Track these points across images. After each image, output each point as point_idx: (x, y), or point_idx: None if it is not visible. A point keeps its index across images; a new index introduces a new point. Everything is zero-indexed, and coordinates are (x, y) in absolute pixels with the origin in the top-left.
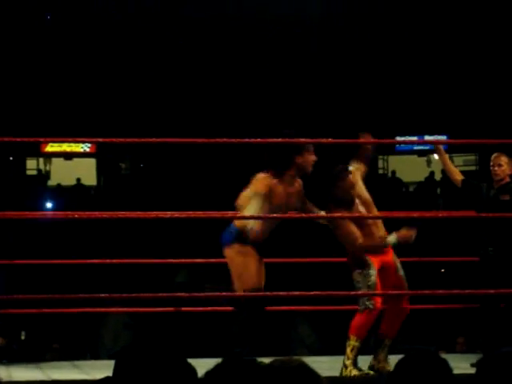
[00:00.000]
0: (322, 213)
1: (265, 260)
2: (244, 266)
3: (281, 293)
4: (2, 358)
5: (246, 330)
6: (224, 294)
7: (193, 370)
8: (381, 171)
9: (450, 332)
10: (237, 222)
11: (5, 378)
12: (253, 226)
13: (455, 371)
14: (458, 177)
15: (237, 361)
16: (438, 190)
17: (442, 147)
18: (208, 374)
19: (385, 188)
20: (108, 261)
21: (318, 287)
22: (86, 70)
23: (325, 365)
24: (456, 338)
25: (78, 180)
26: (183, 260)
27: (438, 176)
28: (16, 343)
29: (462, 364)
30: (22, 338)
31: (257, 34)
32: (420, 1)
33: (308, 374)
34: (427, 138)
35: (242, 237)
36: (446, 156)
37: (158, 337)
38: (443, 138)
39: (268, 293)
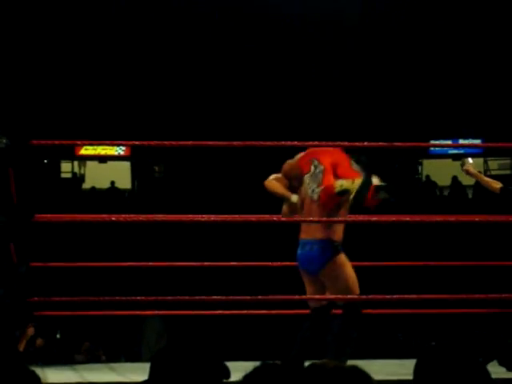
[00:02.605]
0: None
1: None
2: (349, 277)
3: (320, 296)
4: (39, 359)
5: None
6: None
7: (226, 371)
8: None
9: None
10: (318, 234)
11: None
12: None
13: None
14: (496, 185)
15: (276, 364)
16: (470, 194)
17: (469, 168)
18: (246, 376)
19: (419, 192)
20: (143, 264)
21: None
22: (121, 73)
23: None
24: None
25: (113, 183)
26: (219, 263)
27: (468, 181)
28: (52, 343)
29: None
30: (58, 336)
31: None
32: (453, 4)
33: (361, 376)
34: (462, 141)
35: (335, 247)
36: (476, 172)
37: (193, 340)
38: (478, 141)
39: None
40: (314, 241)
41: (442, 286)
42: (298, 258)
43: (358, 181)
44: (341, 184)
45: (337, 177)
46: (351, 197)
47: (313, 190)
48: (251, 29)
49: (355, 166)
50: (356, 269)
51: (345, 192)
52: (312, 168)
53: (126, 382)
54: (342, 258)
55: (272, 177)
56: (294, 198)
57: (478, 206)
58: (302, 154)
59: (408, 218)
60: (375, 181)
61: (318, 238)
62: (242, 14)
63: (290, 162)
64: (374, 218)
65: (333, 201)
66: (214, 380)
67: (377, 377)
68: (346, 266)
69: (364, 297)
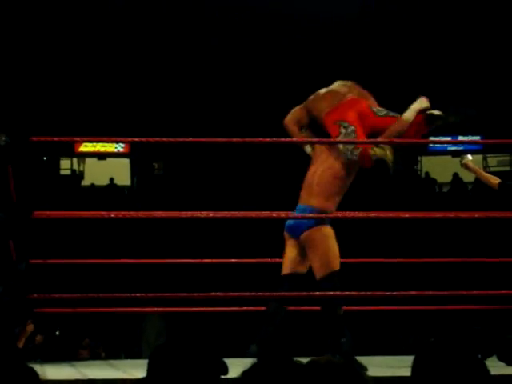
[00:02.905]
0: None
1: None
2: (330, 249)
3: (314, 293)
4: (38, 356)
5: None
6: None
7: (224, 368)
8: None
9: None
10: (315, 202)
11: (40, 377)
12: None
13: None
14: (494, 181)
15: (274, 359)
16: (470, 191)
17: (468, 162)
18: (245, 373)
19: (418, 189)
20: (143, 260)
21: (351, 287)
22: (119, 70)
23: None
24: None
25: (112, 180)
26: (219, 260)
27: (470, 176)
28: (52, 340)
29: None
30: (57, 333)
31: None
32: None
33: (355, 371)
34: (461, 138)
35: (323, 218)
36: (475, 167)
37: (191, 336)
38: (477, 138)
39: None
40: (307, 207)
41: (441, 282)
42: (286, 222)
43: (390, 151)
44: (374, 153)
45: (366, 129)
46: (389, 166)
47: (351, 152)
48: (248, 23)
49: (377, 110)
50: (355, 265)
51: (378, 160)
52: (342, 130)
53: (126, 379)
54: (328, 229)
55: (293, 113)
56: (308, 149)
57: (479, 203)
58: (326, 96)
59: (407, 215)
60: (425, 105)
61: (311, 205)
62: (240, 8)
63: (313, 98)
64: (373, 214)
65: (369, 163)
66: (212, 376)
67: (374, 373)
68: (330, 238)
69: (363, 293)
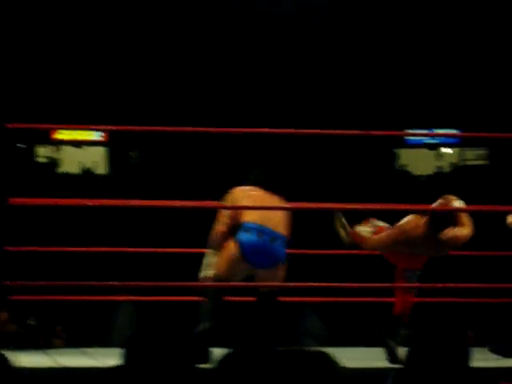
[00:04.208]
0: None
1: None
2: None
3: (290, 284)
4: (11, 344)
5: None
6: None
7: (205, 357)
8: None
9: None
10: (283, 230)
11: (14, 365)
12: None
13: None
14: None
15: (250, 349)
16: (446, 183)
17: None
18: (221, 362)
19: (395, 181)
20: (117, 249)
21: (326, 278)
22: (97, 58)
23: (335, 355)
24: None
25: (88, 168)
26: (192, 249)
27: (446, 169)
28: (25, 329)
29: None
30: (32, 323)
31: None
32: None
33: (327, 361)
34: (438, 131)
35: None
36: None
37: (167, 324)
38: (454, 131)
39: (277, 283)
40: (278, 234)
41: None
42: (248, 244)
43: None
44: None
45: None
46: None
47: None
48: (220, 18)
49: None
50: (336, 256)
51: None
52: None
53: (99, 367)
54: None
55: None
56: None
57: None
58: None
59: (380, 207)
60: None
61: (282, 234)
62: (218, 3)
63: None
64: (348, 206)
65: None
66: (189, 365)
67: (347, 364)
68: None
69: (337, 284)
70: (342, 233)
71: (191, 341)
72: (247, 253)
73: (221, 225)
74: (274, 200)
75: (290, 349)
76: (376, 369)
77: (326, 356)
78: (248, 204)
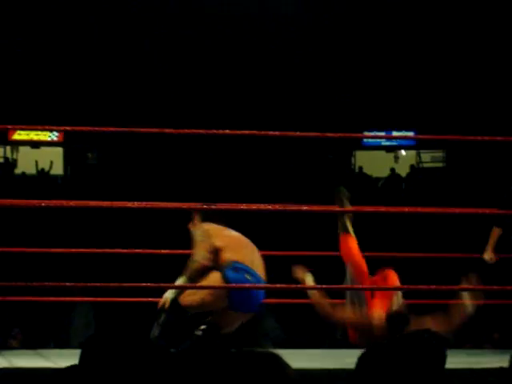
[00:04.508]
0: None
1: None
2: None
3: (246, 285)
4: None
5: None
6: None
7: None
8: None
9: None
10: (263, 275)
11: None
12: None
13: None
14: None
15: (204, 350)
16: (403, 185)
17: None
18: (176, 363)
19: (352, 183)
20: (74, 250)
21: (285, 280)
22: (57, 58)
23: (290, 357)
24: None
25: (44, 169)
26: (150, 250)
27: (403, 171)
28: None
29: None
30: None
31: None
32: None
33: (277, 362)
34: (395, 133)
35: None
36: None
37: (124, 326)
38: (411, 133)
39: (234, 285)
40: (261, 279)
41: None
42: (238, 284)
43: None
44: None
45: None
46: None
47: None
48: (193, 21)
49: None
50: (285, 257)
51: None
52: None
53: (54, 368)
54: None
55: None
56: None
57: (413, 198)
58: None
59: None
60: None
61: (264, 279)
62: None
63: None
64: (305, 208)
65: None
66: (149, 366)
67: (300, 365)
68: None
69: (294, 286)
70: None
71: (147, 343)
72: (235, 294)
73: (204, 259)
74: (248, 241)
75: (242, 350)
76: (327, 370)
77: (277, 357)
78: (229, 242)
